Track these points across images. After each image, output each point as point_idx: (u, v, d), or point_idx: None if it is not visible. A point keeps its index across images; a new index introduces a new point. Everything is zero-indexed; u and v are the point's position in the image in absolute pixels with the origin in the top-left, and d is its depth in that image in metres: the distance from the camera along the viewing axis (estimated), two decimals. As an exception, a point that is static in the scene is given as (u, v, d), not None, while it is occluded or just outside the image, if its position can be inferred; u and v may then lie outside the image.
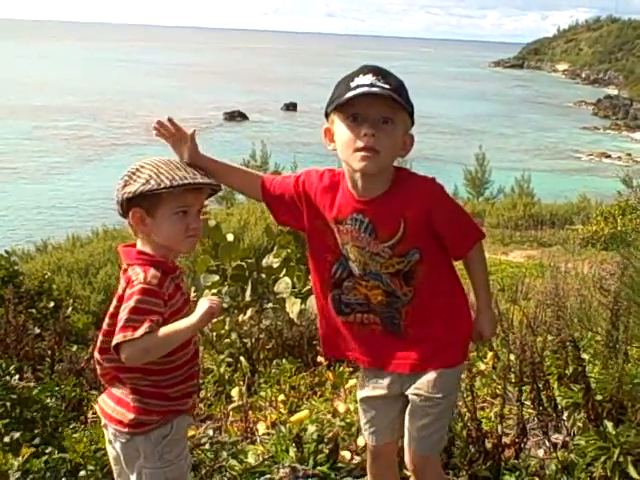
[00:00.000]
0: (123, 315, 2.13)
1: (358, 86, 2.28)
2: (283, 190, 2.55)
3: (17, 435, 3.34)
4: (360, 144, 2.29)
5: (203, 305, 2.17)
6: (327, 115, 2.42)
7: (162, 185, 2.19)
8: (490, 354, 4.50)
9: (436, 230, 2.41)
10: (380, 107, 2.28)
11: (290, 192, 2.53)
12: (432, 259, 2.45)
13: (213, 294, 6.23)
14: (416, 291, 2.45)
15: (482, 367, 4.37)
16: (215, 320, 5.99)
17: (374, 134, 2.28)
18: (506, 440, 3.21)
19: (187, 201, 2.26)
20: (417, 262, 2.42)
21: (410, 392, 2.53)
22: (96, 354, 2.33)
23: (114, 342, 2.14)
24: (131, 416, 2.26)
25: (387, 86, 2.28)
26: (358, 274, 2.48)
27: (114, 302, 2.24)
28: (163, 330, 2.14)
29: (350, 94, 2.27)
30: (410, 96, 2.38)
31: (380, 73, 2.32)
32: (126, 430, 2.27)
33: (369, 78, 2.30)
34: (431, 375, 2.48)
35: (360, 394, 2.67)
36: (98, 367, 2.34)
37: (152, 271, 2.21)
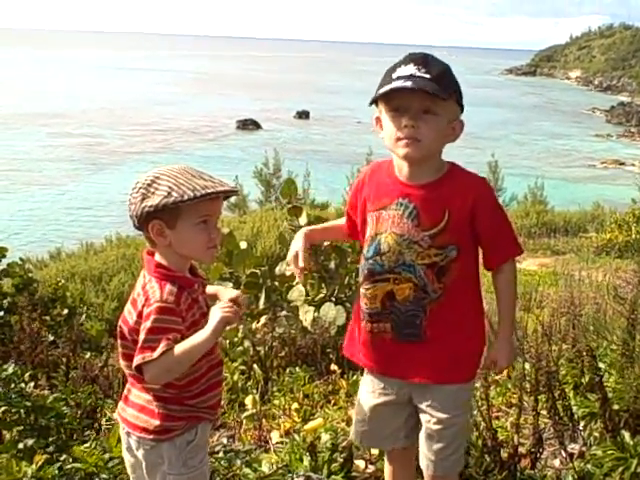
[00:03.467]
0: (142, 336, 2.14)
1: (398, 78, 2.32)
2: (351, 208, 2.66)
3: (31, 442, 3.34)
4: (401, 135, 2.34)
5: (215, 315, 2.16)
6: (375, 103, 2.44)
7: (185, 197, 2.15)
8: (505, 363, 4.47)
9: (476, 230, 2.40)
10: (420, 98, 2.32)
11: (354, 203, 2.62)
12: (467, 260, 2.44)
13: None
14: (446, 290, 2.41)
15: (497, 376, 4.34)
16: (228, 328, 5.98)
17: (414, 125, 2.32)
18: (522, 450, 3.19)
19: (208, 210, 2.23)
20: (453, 260, 2.40)
21: (423, 415, 2.51)
22: (121, 361, 2.34)
23: (135, 364, 2.15)
24: (156, 422, 2.26)
25: (427, 76, 2.30)
26: (387, 268, 2.44)
27: (134, 316, 2.22)
28: (180, 346, 2.13)
29: (386, 88, 2.32)
30: None
31: (422, 62, 2.34)
32: (151, 437, 2.28)
33: (410, 69, 2.33)
34: (445, 393, 2.46)
35: (364, 399, 2.64)
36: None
37: (168, 287, 2.20)
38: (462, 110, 2.45)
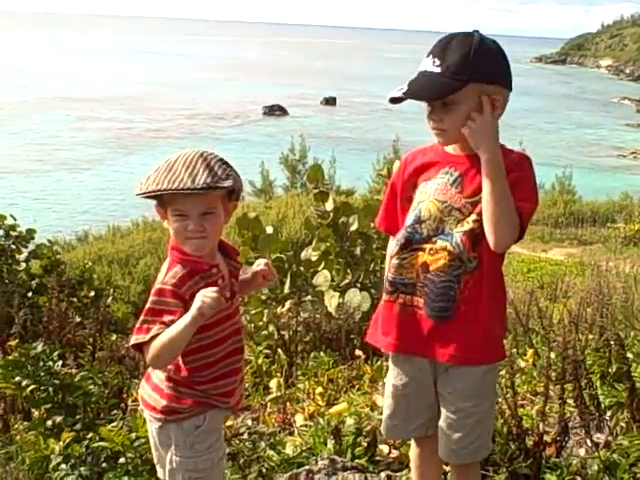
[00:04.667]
0: (141, 316, 2.19)
1: (419, 72, 2.41)
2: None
3: (59, 419, 3.39)
4: (430, 126, 2.46)
5: (197, 300, 2.14)
6: None
7: (148, 189, 2.20)
8: (530, 351, 4.46)
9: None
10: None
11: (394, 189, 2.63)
12: None
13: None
14: (480, 260, 2.41)
15: (522, 364, 4.32)
16: (254, 312, 6.01)
17: (433, 118, 2.42)
18: (547, 438, 3.17)
19: (180, 204, 2.22)
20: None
21: (444, 402, 2.50)
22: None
23: (130, 342, 2.21)
24: (163, 402, 2.30)
25: (438, 70, 2.35)
26: (425, 236, 2.46)
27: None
28: (165, 333, 2.15)
29: (398, 92, 2.42)
30: (507, 61, 2.49)
31: (440, 52, 2.39)
32: (159, 416, 2.32)
33: (426, 63, 2.40)
34: (470, 378, 2.44)
35: (390, 389, 2.62)
36: None
37: (174, 270, 2.23)
38: (504, 83, 2.44)
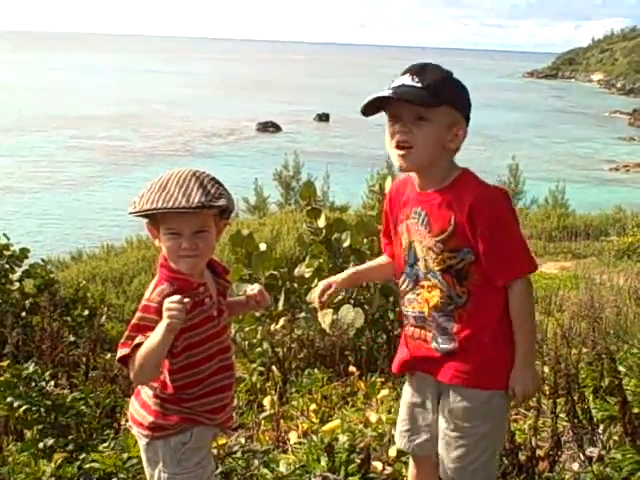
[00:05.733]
0: (126, 332, 2.22)
1: (390, 88, 2.43)
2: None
3: (51, 441, 3.37)
4: (394, 142, 2.42)
5: (164, 312, 2.15)
6: None
7: (142, 208, 2.20)
8: (524, 366, 4.45)
9: (477, 239, 2.38)
10: (412, 106, 2.38)
11: (387, 215, 2.67)
12: None
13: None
14: (470, 294, 2.42)
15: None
16: (248, 329, 6.01)
17: (405, 132, 2.40)
18: (540, 453, 3.18)
19: (173, 222, 2.23)
20: (472, 263, 2.41)
21: (441, 420, 2.51)
22: None
23: (117, 356, 2.22)
24: (150, 419, 2.31)
25: (418, 85, 2.39)
26: (422, 274, 2.49)
27: None
28: (145, 343, 2.17)
29: (368, 98, 2.45)
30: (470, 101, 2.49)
31: (417, 72, 2.42)
32: (146, 433, 2.33)
33: (403, 79, 2.43)
34: (474, 399, 2.45)
35: (403, 404, 2.68)
36: None
37: (161, 288, 2.24)
38: (467, 118, 2.48)
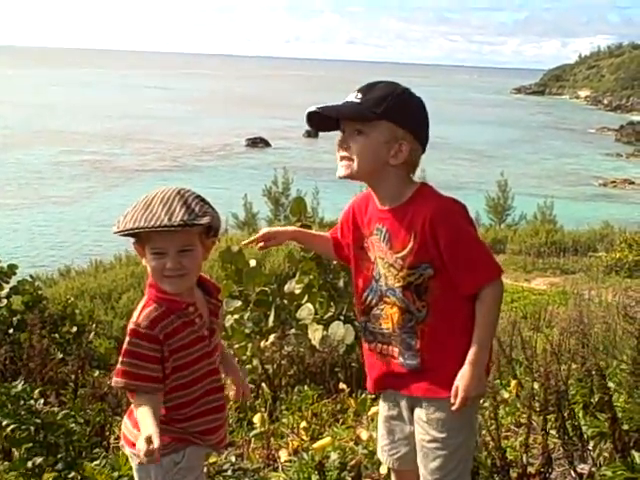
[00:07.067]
0: (120, 356, 2.22)
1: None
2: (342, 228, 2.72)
3: (40, 460, 3.34)
4: (337, 153, 2.52)
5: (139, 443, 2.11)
6: None
7: (126, 227, 2.19)
8: (514, 382, 4.46)
9: (440, 251, 2.40)
10: (350, 121, 2.47)
11: (347, 224, 2.68)
12: (449, 277, 2.44)
13: (236, 320, 6.22)
14: (430, 308, 2.45)
15: (506, 395, 4.32)
16: (237, 346, 5.99)
17: (342, 145, 2.49)
18: (531, 470, 3.17)
19: (157, 241, 2.22)
20: (431, 277, 2.44)
21: (418, 431, 2.53)
22: None
23: (112, 382, 2.25)
24: None
25: (357, 101, 2.46)
26: (384, 290, 2.52)
27: None
28: (140, 409, 2.19)
29: (313, 108, 2.55)
30: (426, 118, 2.53)
31: (364, 89, 2.50)
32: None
33: (350, 96, 2.51)
34: (439, 410, 2.47)
35: (379, 416, 2.71)
36: None
37: (148, 310, 2.23)
38: (417, 135, 2.48)
